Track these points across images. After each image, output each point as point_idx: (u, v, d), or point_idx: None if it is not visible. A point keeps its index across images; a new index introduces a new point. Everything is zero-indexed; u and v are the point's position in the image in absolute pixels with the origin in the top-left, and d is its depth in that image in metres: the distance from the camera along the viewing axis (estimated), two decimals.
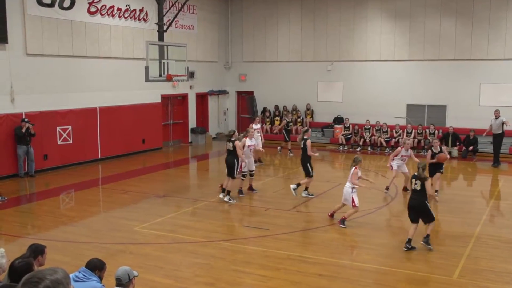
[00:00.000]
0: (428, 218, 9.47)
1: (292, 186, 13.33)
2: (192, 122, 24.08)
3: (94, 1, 18.13)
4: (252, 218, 11.69)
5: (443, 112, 21.99)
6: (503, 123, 18.02)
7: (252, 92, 25.87)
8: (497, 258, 9.13)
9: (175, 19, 19.26)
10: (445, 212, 12.27)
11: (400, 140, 19.53)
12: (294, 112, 24.23)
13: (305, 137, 13.31)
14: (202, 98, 24.81)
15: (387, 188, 14.02)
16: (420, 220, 9.53)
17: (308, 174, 13.35)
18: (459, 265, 8.71)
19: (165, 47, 15.67)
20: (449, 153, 20.18)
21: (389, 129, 21.77)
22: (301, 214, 12.11)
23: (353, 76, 23.51)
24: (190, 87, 23.46)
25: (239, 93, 26.54)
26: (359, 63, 23.33)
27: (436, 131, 21.03)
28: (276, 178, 16.73)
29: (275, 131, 23.18)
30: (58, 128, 17.12)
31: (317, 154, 13.59)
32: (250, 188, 14.03)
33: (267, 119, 24.67)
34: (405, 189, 13.96)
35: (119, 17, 19.28)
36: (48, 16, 16.56)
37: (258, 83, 25.62)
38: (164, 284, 8.00)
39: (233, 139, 12.89)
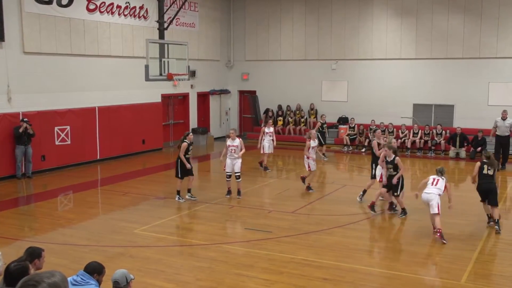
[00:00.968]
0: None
1: (359, 195, 12.94)
2: (193, 122, 23.84)
3: None
4: (254, 221, 11.46)
5: (450, 112, 21.65)
6: None
7: (254, 92, 25.59)
8: (507, 262, 8.99)
9: (176, 17, 19.05)
10: (453, 214, 11.99)
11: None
12: (298, 112, 23.94)
13: (373, 138, 12.98)
14: (203, 98, 24.57)
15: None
16: None
17: (372, 176, 12.84)
18: (467, 269, 8.52)
19: (166, 45, 15.54)
20: (457, 154, 19.97)
21: (394, 129, 21.41)
22: (305, 216, 11.93)
23: (358, 75, 23.21)
24: (191, 86, 23.23)
25: (241, 93, 26.27)
26: (365, 62, 23.02)
27: (444, 132, 20.69)
28: (279, 180, 16.47)
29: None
30: (56, 128, 16.88)
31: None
32: (238, 192, 13.45)
33: (270, 120, 24.34)
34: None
35: (119, 14, 19.04)
36: (46, 14, 16.34)
37: (260, 82, 25.35)
38: None
39: (186, 140, 12.92)
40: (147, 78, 14.89)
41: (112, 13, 18.75)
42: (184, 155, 12.94)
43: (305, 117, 23.79)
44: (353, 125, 22.36)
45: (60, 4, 16.73)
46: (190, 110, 23.57)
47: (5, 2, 15.07)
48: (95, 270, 5.21)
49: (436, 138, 20.62)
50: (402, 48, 22.23)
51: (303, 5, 23.94)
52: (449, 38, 21.23)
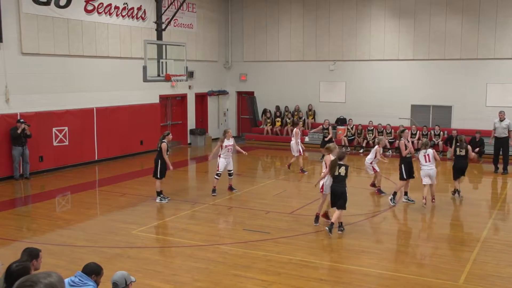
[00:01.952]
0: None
1: (390, 197, 12.87)
2: (191, 123, 23.80)
3: None
4: (252, 222, 11.42)
5: (448, 112, 21.66)
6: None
7: (252, 93, 25.58)
8: (504, 263, 8.94)
9: (174, 18, 18.95)
10: (450, 215, 12.08)
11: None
12: (296, 113, 23.92)
13: (402, 139, 12.98)
14: (201, 99, 24.53)
15: (380, 191, 13.90)
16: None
17: (401, 177, 12.82)
18: (465, 270, 8.51)
19: (164, 46, 15.45)
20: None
21: (392, 130, 21.40)
22: (303, 217, 11.86)
23: (356, 76, 23.20)
24: (189, 87, 23.18)
25: (239, 94, 26.25)
26: (363, 63, 23.02)
27: (441, 132, 20.68)
28: (277, 180, 16.43)
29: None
30: (54, 129, 16.85)
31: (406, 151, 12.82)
32: (230, 188, 13.99)
33: (268, 120, 24.37)
34: (373, 185, 14.22)
35: (117, 15, 19.00)
36: (43, 15, 16.30)
37: (258, 83, 25.33)
38: None
39: (164, 140, 12.90)
40: (145, 79, 14.82)
41: (110, 14, 18.72)
42: None
43: (303, 118, 23.77)
44: (351, 126, 22.36)
45: (58, 5, 16.70)
46: (188, 111, 23.51)
47: (3, 3, 15.03)
48: (93, 271, 5.16)
49: (434, 139, 20.63)
50: (400, 49, 22.23)
51: (301, 6, 23.94)
52: (447, 39, 21.24)
